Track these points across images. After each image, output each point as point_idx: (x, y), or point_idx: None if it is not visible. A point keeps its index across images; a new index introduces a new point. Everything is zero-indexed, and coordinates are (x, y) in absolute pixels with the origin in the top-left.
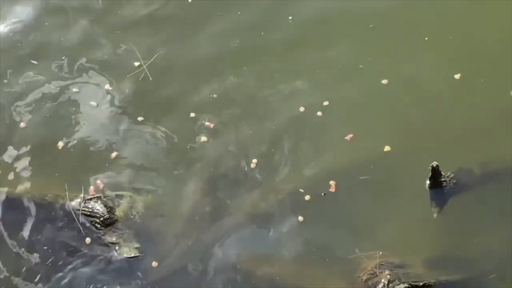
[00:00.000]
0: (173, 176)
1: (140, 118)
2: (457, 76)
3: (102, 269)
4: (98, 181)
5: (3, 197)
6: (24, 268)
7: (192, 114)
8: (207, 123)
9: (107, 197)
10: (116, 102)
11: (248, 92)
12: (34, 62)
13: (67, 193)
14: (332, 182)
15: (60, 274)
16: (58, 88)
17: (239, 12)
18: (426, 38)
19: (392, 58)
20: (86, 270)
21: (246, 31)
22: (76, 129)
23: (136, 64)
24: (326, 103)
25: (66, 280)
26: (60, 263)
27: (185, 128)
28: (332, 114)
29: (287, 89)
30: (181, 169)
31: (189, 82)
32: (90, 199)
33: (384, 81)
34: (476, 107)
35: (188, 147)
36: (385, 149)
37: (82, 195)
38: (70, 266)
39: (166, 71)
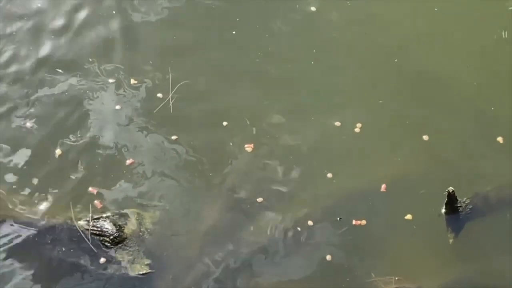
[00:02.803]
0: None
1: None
2: None
3: (116, 287)
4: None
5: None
6: None
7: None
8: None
9: (115, 215)
10: None
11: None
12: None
13: (72, 212)
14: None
15: None
16: None
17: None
18: None
19: None
20: None
21: None
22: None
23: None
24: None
25: None
26: (72, 283)
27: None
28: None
29: None
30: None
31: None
32: (99, 218)
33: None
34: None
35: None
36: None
37: (90, 214)
38: (80, 286)
39: None
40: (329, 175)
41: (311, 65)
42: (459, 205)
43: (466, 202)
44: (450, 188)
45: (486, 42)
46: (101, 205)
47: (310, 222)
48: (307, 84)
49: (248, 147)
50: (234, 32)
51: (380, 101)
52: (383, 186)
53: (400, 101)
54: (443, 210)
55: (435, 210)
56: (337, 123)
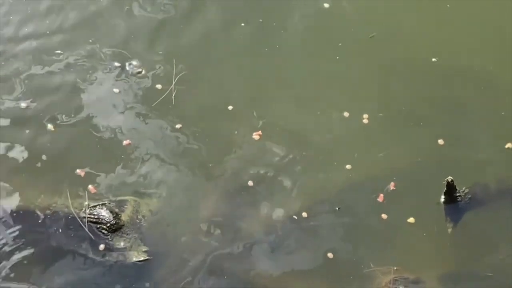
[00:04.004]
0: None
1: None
2: None
3: (114, 274)
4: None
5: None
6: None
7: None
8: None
9: (112, 202)
10: None
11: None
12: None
13: (69, 200)
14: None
15: (71, 280)
16: None
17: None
18: None
19: None
20: (98, 276)
21: None
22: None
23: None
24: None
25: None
26: (71, 269)
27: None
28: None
29: None
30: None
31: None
32: (95, 206)
33: None
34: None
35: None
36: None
37: (87, 202)
38: (79, 272)
39: None
40: (337, 165)
41: (320, 57)
42: (458, 194)
43: (465, 191)
44: (449, 178)
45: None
46: (95, 190)
47: (309, 212)
48: (314, 77)
49: (256, 135)
50: (243, 24)
51: (389, 95)
52: (392, 184)
53: (409, 96)
54: (442, 200)
55: (434, 199)
56: (346, 114)
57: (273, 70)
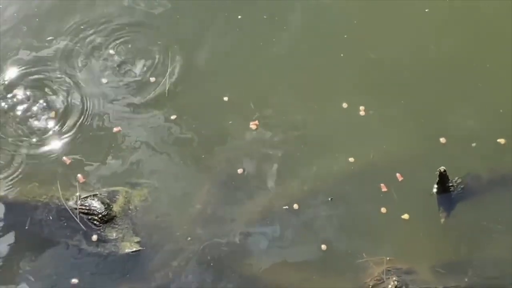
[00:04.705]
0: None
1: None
2: None
3: (107, 264)
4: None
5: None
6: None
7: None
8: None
9: (103, 193)
10: None
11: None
12: None
13: (60, 191)
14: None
15: (64, 271)
16: None
17: None
18: None
19: None
20: (92, 267)
21: None
22: None
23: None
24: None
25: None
26: (63, 260)
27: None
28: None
29: None
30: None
31: None
32: (87, 197)
33: None
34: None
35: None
36: (391, 153)
37: (78, 193)
38: (71, 263)
39: None
40: (333, 156)
41: (319, 49)
42: (450, 184)
43: (458, 181)
44: (442, 168)
45: None
46: (84, 180)
47: (303, 203)
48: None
49: (253, 125)
50: (239, 17)
51: (386, 88)
52: (399, 175)
53: (408, 89)
54: (435, 190)
55: (427, 190)
56: (344, 105)
57: (270, 61)
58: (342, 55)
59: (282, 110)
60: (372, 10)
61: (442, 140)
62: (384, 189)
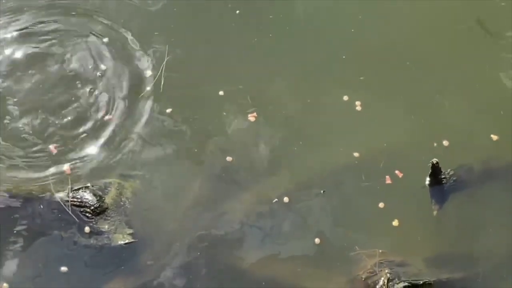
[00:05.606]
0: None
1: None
2: None
3: (100, 257)
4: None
5: None
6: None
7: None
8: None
9: (95, 185)
10: None
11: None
12: None
13: (51, 184)
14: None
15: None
16: None
17: None
18: None
19: None
20: (85, 259)
21: None
22: None
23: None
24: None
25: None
26: (56, 253)
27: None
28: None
29: None
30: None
31: None
32: (78, 189)
33: None
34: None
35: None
36: (384, 146)
37: (69, 186)
38: (66, 257)
39: None
40: (329, 148)
41: (318, 43)
42: (443, 176)
43: (450, 173)
44: (434, 160)
45: None
46: (70, 171)
47: (297, 195)
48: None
49: (252, 117)
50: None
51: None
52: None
53: (406, 83)
54: (427, 182)
55: (419, 182)
56: (345, 97)
57: (267, 56)
58: (340, 49)
59: (279, 104)
60: (373, 5)
61: (438, 136)
62: (388, 181)
